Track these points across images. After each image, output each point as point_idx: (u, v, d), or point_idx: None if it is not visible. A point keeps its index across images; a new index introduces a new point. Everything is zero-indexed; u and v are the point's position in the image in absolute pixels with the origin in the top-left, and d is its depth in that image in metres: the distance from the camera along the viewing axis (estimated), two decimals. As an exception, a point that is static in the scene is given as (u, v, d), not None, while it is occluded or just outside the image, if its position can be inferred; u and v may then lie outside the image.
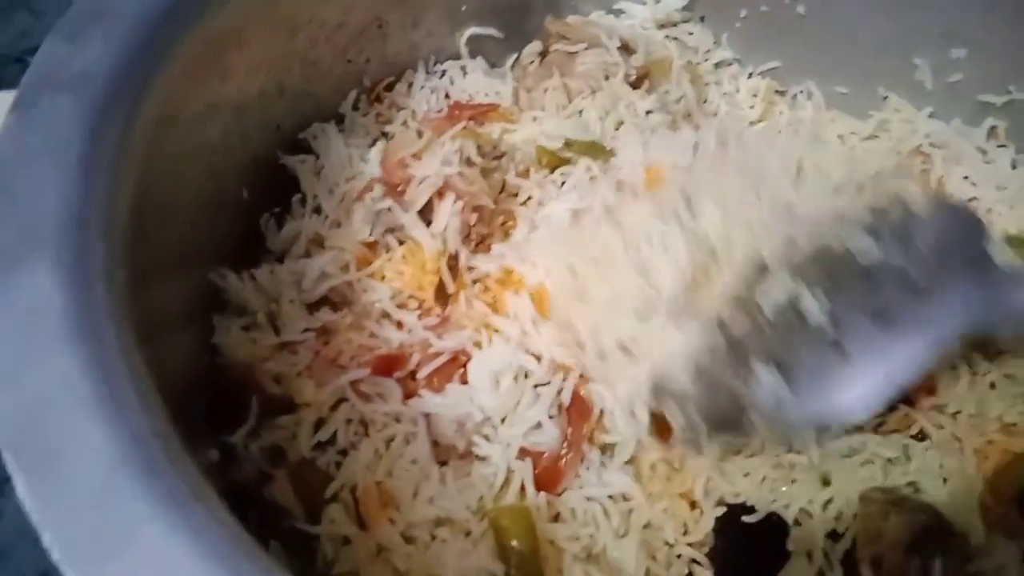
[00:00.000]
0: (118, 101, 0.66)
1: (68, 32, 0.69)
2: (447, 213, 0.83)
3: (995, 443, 0.75)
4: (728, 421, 0.72)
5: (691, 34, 1.12)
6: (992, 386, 0.79)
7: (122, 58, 0.68)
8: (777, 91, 1.12)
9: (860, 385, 0.72)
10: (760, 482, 0.75)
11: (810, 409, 0.72)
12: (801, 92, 1.10)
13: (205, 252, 0.84)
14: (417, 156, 0.84)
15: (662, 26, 1.11)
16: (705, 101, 1.10)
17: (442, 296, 0.82)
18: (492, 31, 1.07)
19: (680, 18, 1.12)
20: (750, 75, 1.12)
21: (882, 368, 0.71)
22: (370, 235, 0.85)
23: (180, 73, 0.73)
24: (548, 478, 0.76)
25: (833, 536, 0.71)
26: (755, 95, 1.10)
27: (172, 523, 0.46)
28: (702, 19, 1.12)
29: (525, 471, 0.75)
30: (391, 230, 0.86)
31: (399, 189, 0.85)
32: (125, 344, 0.55)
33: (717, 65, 1.13)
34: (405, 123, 0.97)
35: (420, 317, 0.82)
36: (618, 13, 1.11)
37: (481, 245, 0.86)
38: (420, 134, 0.87)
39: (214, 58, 0.79)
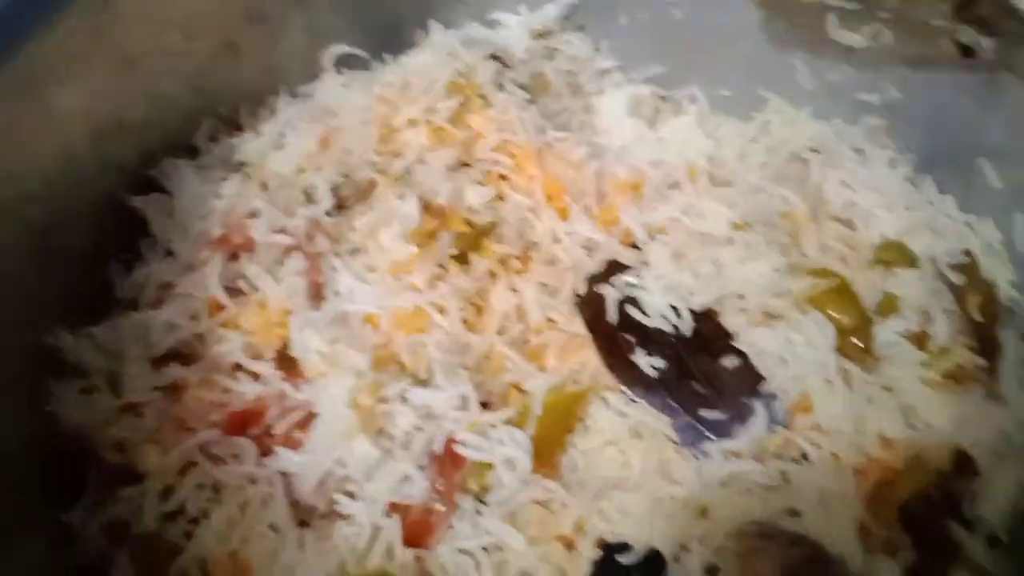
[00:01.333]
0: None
1: None
2: (292, 273, 0.78)
3: (875, 460, 0.73)
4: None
5: (570, 43, 1.07)
6: (869, 399, 0.76)
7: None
8: (661, 97, 1.08)
9: None
10: (637, 518, 0.71)
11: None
12: (685, 97, 1.07)
13: (40, 310, 0.77)
14: (253, 216, 0.79)
15: (539, 36, 1.06)
16: (587, 110, 1.05)
17: (286, 362, 0.76)
18: (359, 50, 1.01)
19: (558, 28, 1.07)
20: (633, 82, 1.08)
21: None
22: (219, 284, 0.79)
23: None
24: (419, 532, 0.71)
25: (711, 571, 0.67)
26: (640, 103, 1.06)
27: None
28: (581, 28, 1.08)
29: (393, 529, 0.70)
30: (242, 277, 0.80)
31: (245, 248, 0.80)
32: None
33: (600, 73, 1.08)
34: (262, 157, 0.90)
35: (275, 368, 0.76)
36: (493, 24, 1.06)
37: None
38: (265, 186, 0.82)
39: (27, 102, 0.72)
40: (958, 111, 0.87)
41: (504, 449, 0.73)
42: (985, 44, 0.78)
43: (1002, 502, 0.75)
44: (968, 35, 0.78)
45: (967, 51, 0.78)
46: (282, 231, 0.80)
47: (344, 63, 1.01)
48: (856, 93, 0.94)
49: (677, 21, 1.03)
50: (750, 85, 1.03)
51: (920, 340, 0.83)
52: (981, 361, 0.83)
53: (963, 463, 0.75)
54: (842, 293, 0.82)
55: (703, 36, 1.03)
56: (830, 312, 0.80)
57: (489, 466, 0.73)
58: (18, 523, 0.66)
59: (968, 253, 0.87)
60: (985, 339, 0.85)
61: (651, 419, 0.77)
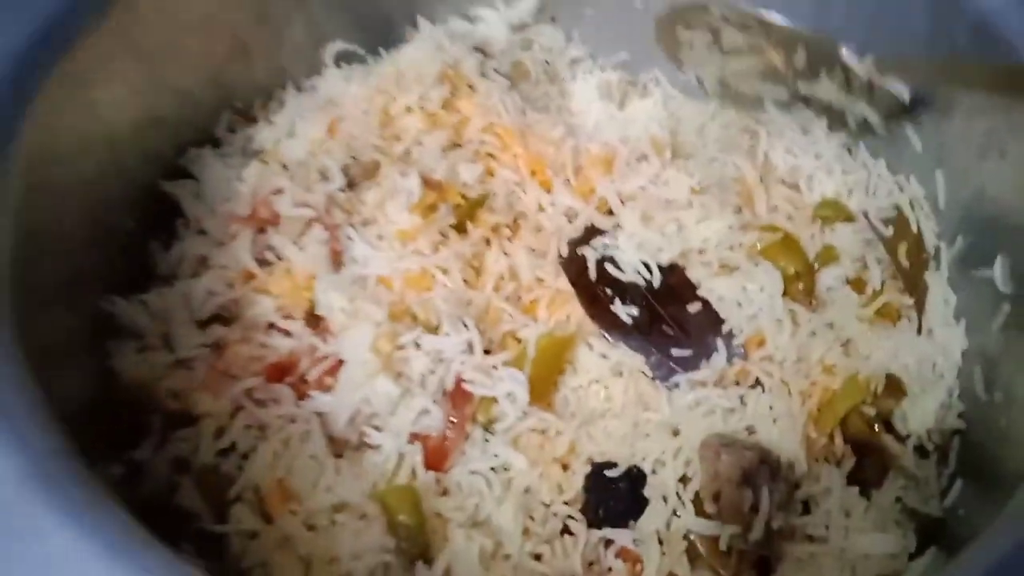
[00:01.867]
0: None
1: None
2: (315, 242, 0.90)
3: (816, 383, 0.86)
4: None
5: (544, 34, 1.19)
6: (812, 334, 0.89)
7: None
8: (628, 82, 1.20)
9: None
10: (621, 440, 0.84)
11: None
12: (651, 80, 1.19)
13: (95, 281, 0.88)
14: (277, 193, 0.90)
15: (516, 29, 1.18)
16: (562, 94, 1.17)
17: (313, 320, 0.88)
18: (355, 47, 1.13)
19: (532, 20, 1.19)
20: (603, 68, 1.20)
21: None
22: (250, 256, 0.91)
23: (46, 112, 0.77)
24: (437, 457, 0.83)
25: (684, 480, 0.80)
26: (610, 86, 1.18)
27: (74, 528, 0.52)
28: (552, 19, 1.20)
29: (415, 454, 0.82)
30: (270, 248, 0.92)
31: (271, 222, 0.92)
32: (19, 374, 0.60)
33: (572, 61, 1.20)
34: (276, 144, 1.01)
35: (305, 325, 0.88)
36: (474, 19, 1.18)
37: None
38: (285, 167, 0.94)
39: (77, 97, 0.83)
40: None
41: (505, 386, 0.85)
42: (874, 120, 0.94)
43: (928, 419, 0.89)
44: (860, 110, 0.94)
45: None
46: (304, 205, 0.91)
47: (343, 58, 1.12)
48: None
49: (638, 10, 1.16)
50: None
51: (857, 285, 0.96)
52: (909, 301, 0.97)
53: (893, 385, 0.89)
54: (788, 246, 0.94)
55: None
56: (778, 262, 0.93)
57: (493, 400, 0.85)
58: (101, 461, 0.78)
59: (897, 208, 1.01)
60: (913, 282, 0.98)
61: (629, 359, 0.90)
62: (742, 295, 0.91)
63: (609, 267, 0.94)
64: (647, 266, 0.94)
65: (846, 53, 0.93)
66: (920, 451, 0.88)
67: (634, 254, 0.94)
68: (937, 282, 0.97)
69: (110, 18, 0.86)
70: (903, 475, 0.86)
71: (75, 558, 0.51)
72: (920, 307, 0.96)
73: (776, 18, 0.99)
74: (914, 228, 0.99)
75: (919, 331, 0.95)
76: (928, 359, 0.92)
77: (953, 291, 0.96)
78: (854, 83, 0.93)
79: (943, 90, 0.94)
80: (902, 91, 0.92)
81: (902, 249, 0.98)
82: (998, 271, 0.88)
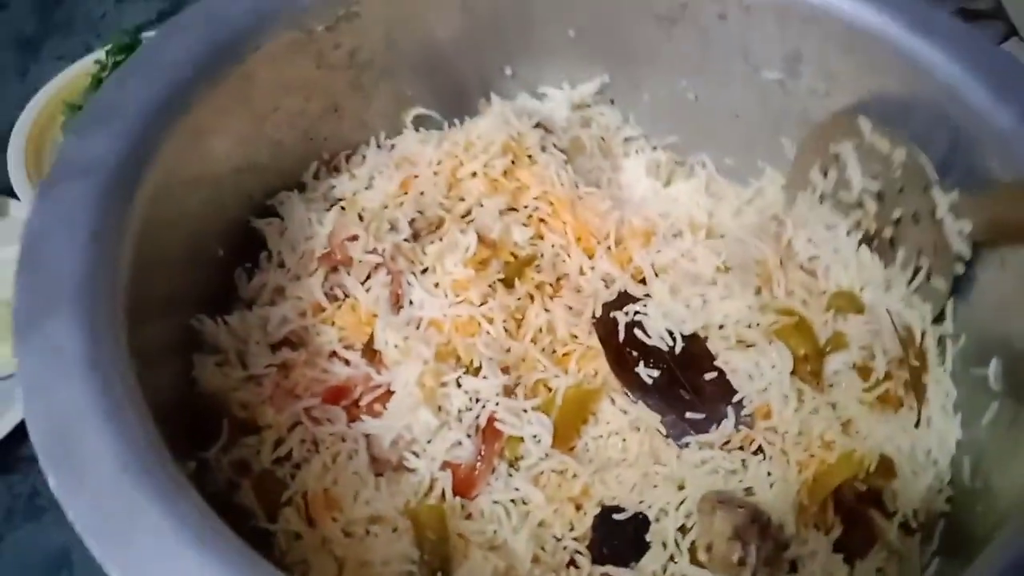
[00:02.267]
0: (119, 185, 0.85)
1: (80, 130, 0.87)
2: (379, 285, 1.03)
3: (814, 456, 0.94)
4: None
5: (603, 114, 1.31)
6: (815, 411, 0.98)
7: (122, 151, 0.87)
8: (677, 162, 1.31)
9: None
10: (631, 488, 0.93)
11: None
12: (697, 163, 1.30)
13: (187, 300, 1.02)
14: (352, 239, 1.04)
15: (577, 107, 1.30)
16: (615, 169, 1.29)
17: (370, 353, 1.00)
18: (433, 113, 1.26)
19: (593, 101, 1.32)
20: (654, 148, 1.32)
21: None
22: (321, 291, 1.04)
23: (168, 159, 0.91)
24: (464, 485, 0.94)
25: (683, 529, 0.89)
26: (658, 166, 1.30)
27: (164, 512, 0.64)
28: (612, 101, 1.32)
29: (446, 480, 0.93)
30: (339, 286, 1.04)
31: (344, 264, 1.05)
32: (126, 375, 0.73)
33: (626, 140, 1.32)
34: (356, 193, 1.15)
35: (362, 356, 1.00)
36: (541, 97, 1.31)
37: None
38: (361, 217, 1.08)
39: (196, 145, 0.97)
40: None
41: (532, 428, 0.95)
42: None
43: (916, 499, 0.96)
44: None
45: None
46: (373, 251, 1.04)
47: (422, 123, 1.26)
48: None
49: (690, 100, 1.27)
50: (750, 157, 1.26)
51: (863, 372, 1.03)
52: (911, 397, 1.04)
53: (886, 465, 0.97)
54: (801, 329, 1.03)
55: (712, 113, 1.26)
56: (790, 343, 1.02)
57: (520, 440, 0.95)
58: (174, 455, 0.90)
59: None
60: (916, 380, 1.06)
61: (646, 416, 0.98)
62: (754, 369, 1.00)
63: (637, 331, 1.04)
64: (671, 334, 1.03)
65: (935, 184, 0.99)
66: (906, 528, 0.95)
67: (660, 322, 1.04)
68: (940, 376, 1.05)
69: (229, 80, 1.00)
70: (887, 548, 0.93)
71: (158, 537, 0.62)
72: (920, 399, 1.03)
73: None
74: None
75: (917, 423, 1.02)
76: (923, 445, 1.00)
77: (954, 385, 1.03)
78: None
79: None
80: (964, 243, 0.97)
81: (911, 349, 1.05)
82: (992, 371, 0.96)
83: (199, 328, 1.01)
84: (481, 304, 1.03)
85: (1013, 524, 0.76)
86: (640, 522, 0.91)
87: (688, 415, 0.99)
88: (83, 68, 1.57)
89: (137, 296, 0.86)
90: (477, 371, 0.97)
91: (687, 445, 0.97)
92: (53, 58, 1.54)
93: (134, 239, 0.85)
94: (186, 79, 0.95)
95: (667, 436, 0.98)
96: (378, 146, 1.23)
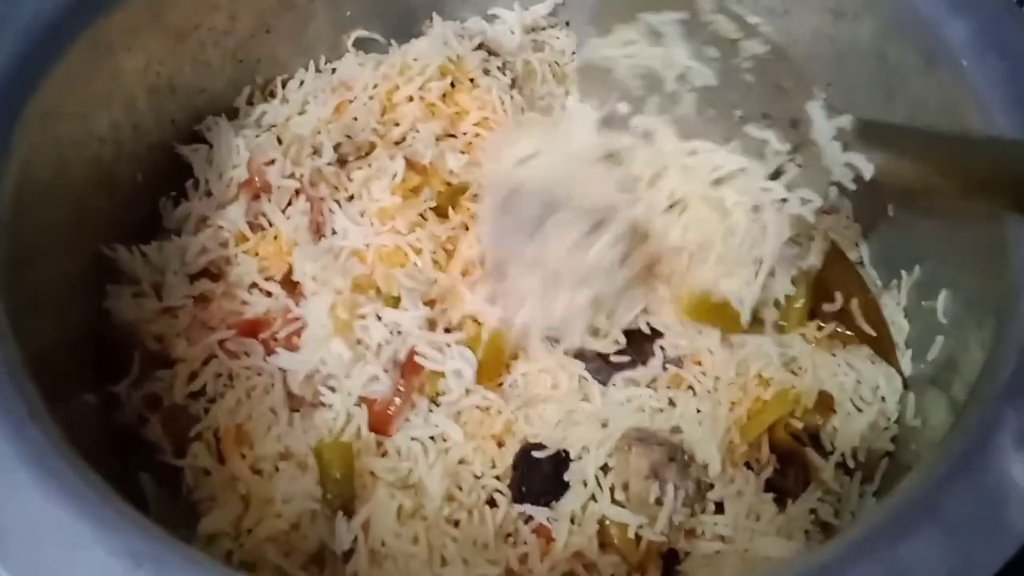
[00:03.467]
0: (5, 99, 0.80)
1: (-38, 43, 0.82)
2: (298, 212, 0.98)
3: (748, 393, 0.90)
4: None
5: (557, 38, 1.25)
6: (756, 350, 0.93)
7: (9, 63, 0.82)
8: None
9: None
10: (554, 425, 0.89)
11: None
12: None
13: (100, 229, 0.97)
14: (270, 163, 0.99)
15: (530, 30, 1.24)
16: (567, 93, 1.22)
17: (290, 284, 0.95)
18: (376, 35, 1.20)
19: (546, 23, 1.25)
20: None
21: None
22: (244, 219, 0.99)
23: (65, 75, 0.87)
24: (381, 421, 0.90)
25: (605, 468, 0.85)
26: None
27: (4, 434, 0.60)
28: (567, 24, 1.25)
29: (362, 416, 0.90)
30: (262, 214, 1.00)
31: (265, 191, 1.01)
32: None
33: (582, 65, 1.25)
34: (288, 119, 1.09)
35: (283, 288, 0.96)
36: (492, 18, 1.24)
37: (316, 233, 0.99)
38: (280, 141, 1.03)
39: (101, 62, 0.92)
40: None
41: (454, 362, 0.91)
42: None
43: (855, 438, 0.92)
44: None
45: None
46: (291, 176, 0.99)
47: (365, 46, 1.20)
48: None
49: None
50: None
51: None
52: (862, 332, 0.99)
53: (824, 402, 0.92)
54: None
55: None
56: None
57: (441, 375, 0.91)
58: (78, 385, 0.87)
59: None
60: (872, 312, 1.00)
61: (569, 361, 0.93)
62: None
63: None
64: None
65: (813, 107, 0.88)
66: (844, 468, 0.91)
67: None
68: (894, 310, 1.00)
69: (138, -7, 0.95)
70: (822, 488, 0.89)
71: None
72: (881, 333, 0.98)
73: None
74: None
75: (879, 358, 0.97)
76: (870, 381, 0.95)
77: (907, 320, 0.98)
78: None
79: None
80: (866, 167, 0.85)
81: (856, 309, 0.98)
82: (940, 304, 0.90)
83: (113, 257, 0.97)
84: (408, 233, 0.97)
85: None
86: (561, 460, 0.87)
87: (613, 358, 0.94)
88: None
89: (31, 220, 0.82)
90: (397, 302, 0.93)
91: (613, 384, 0.92)
92: None
93: (22, 159, 0.81)
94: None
95: (593, 380, 0.93)
96: (317, 70, 1.18)
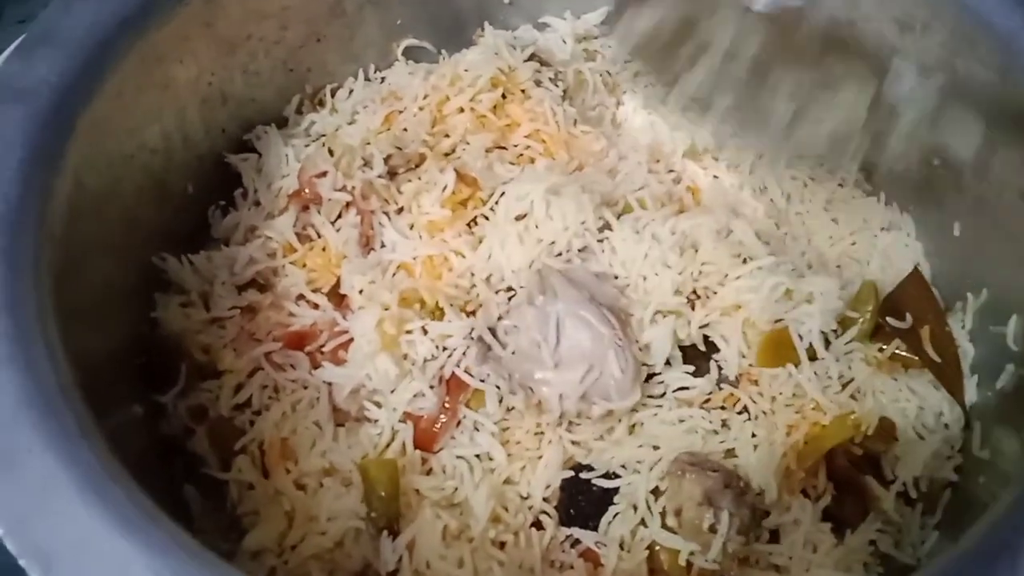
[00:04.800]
0: (59, 112, 0.80)
1: (21, 53, 0.82)
2: (348, 225, 0.97)
3: (806, 417, 0.86)
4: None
5: (609, 47, 1.22)
6: (814, 374, 0.89)
7: (65, 76, 0.82)
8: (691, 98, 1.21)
9: None
10: (604, 446, 0.87)
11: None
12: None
13: (150, 238, 0.97)
14: (321, 176, 0.98)
15: (581, 39, 1.22)
16: (619, 104, 1.20)
17: (337, 297, 0.94)
18: (426, 44, 1.19)
19: (598, 32, 1.23)
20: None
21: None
22: (292, 230, 0.98)
23: (118, 87, 0.86)
24: (426, 438, 0.89)
25: (656, 492, 0.83)
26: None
27: (56, 454, 0.60)
28: (620, 33, 1.23)
29: (407, 432, 0.88)
30: (310, 226, 0.99)
31: (315, 202, 1.00)
32: (43, 315, 0.69)
33: (636, 75, 1.23)
34: (338, 129, 1.09)
35: (329, 300, 0.95)
36: (543, 27, 1.22)
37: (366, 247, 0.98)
38: (331, 152, 1.02)
39: (153, 74, 0.92)
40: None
41: (501, 382, 0.89)
42: None
43: (918, 467, 0.88)
44: None
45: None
46: (343, 189, 0.98)
47: (415, 55, 1.19)
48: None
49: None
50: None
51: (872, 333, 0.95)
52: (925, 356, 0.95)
53: (886, 429, 0.89)
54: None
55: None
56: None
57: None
58: (125, 396, 0.87)
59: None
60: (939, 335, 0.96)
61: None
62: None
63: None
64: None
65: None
66: (905, 498, 0.88)
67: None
68: (959, 334, 0.96)
69: (190, 4, 0.94)
70: (882, 519, 0.86)
71: (47, 476, 0.58)
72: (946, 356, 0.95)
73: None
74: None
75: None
76: (934, 408, 0.92)
77: (972, 345, 0.94)
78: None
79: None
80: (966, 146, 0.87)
81: (925, 334, 0.95)
82: (1011, 329, 0.86)
83: (162, 267, 0.97)
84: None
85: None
86: (608, 480, 0.85)
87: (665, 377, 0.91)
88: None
89: (82, 231, 0.82)
90: (442, 314, 0.91)
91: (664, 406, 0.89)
92: (14, 22, 1.51)
93: (75, 170, 0.81)
94: (141, 2, 0.89)
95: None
96: (367, 79, 1.17)
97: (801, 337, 0.89)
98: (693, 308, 0.92)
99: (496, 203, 0.96)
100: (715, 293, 0.92)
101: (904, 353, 0.94)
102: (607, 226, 0.96)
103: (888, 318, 0.93)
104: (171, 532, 0.59)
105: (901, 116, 0.89)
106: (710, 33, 0.87)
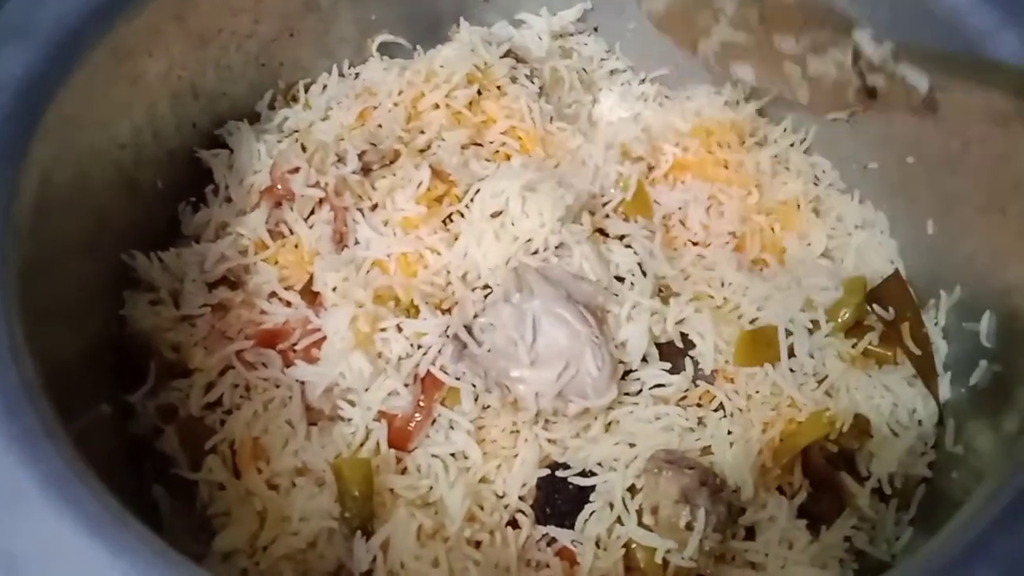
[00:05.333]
0: (23, 106, 0.78)
1: (-14, 46, 0.80)
2: (321, 222, 0.96)
3: (781, 414, 0.86)
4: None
5: (585, 44, 1.22)
6: (790, 370, 0.90)
7: (30, 69, 0.80)
8: (666, 96, 1.21)
9: None
10: (580, 443, 0.86)
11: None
12: (685, 96, 1.20)
13: (119, 235, 0.96)
14: (294, 171, 0.97)
15: (558, 36, 1.21)
16: (595, 102, 1.20)
17: (308, 294, 0.93)
18: (402, 40, 1.18)
19: (575, 29, 1.22)
20: (642, 81, 1.22)
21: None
22: (265, 227, 0.97)
23: (86, 81, 0.85)
24: (401, 437, 0.88)
25: (632, 490, 0.82)
26: (644, 100, 1.20)
27: (19, 456, 0.58)
28: (595, 30, 1.23)
29: (381, 431, 0.87)
30: (283, 222, 0.98)
31: (287, 199, 0.98)
32: (6, 314, 0.67)
33: (611, 73, 1.23)
34: (311, 125, 1.07)
35: (302, 298, 0.94)
36: (519, 24, 1.22)
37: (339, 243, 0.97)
38: (304, 148, 1.00)
39: (122, 67, 0.90)
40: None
41: (477, 380, 0.89)
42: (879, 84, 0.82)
43: (892, 463, 0.89)
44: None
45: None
46: (316, 185, 0.96)
47: (390, 51, 1.17)
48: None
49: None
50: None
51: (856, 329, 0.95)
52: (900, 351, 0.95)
53: (861, 426, 0.89)
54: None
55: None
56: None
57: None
58: (93, 395, 0.85)
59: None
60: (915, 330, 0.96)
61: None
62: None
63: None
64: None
65: (861, 35, 0.83)
66: (880, 494, 0.88)
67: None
68: (932, 331, 0.96)
69: (160, -4, 0.93)
70: (857, 515, 0.86)
71: (15, 484, 0.57)
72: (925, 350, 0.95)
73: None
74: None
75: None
76: (907, 404, 0.92)
77: (946, 342, 0.95)
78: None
79: (959, 85, 0.84)
80: (920, 81, 0.81)
81: (905, 330, 0.95)
82: (984, 326, 0.87)
83: (131, 264, 0.95)
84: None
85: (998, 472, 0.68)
86: (584, 478, 0.84)
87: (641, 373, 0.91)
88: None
89: (46, 231, 0.80)
90: (416, 312, 0.90)
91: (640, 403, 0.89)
92: None
93: (41, 165, 0.79)
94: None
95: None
96: (341, 75, 1.16)
97: (790, 333, 0.89)
98: (667, 303, 0.92)
99: (471, 200, 0.95)
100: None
101: (877, 348, 0.94)
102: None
103: (874, 305, 0.94)
104: (139, 533, 0.57)
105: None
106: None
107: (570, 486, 0.84)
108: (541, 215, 0.92)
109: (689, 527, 0.78)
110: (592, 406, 0.86)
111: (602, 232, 0.99)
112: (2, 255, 0.70)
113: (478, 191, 0.96)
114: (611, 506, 0.82)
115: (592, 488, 0.84)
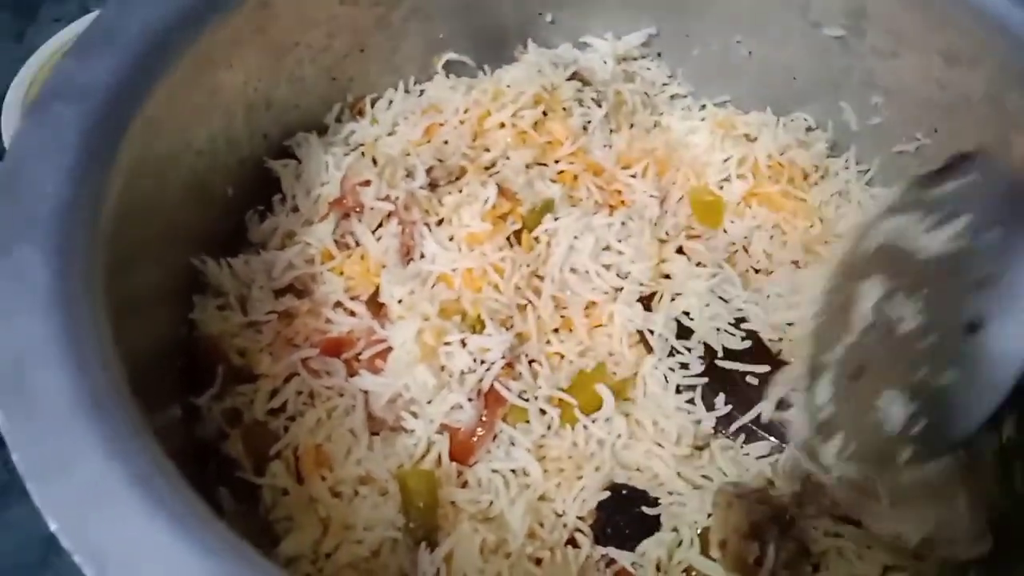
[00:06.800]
0: (112, 112, 0.80)
1: (78, 52, 0.83)
2: (389, 235, 0.98)
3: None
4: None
5: (648, 69, 1.23)
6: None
7: (119, 76, 0.82)
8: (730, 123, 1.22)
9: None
10: (647, 467, 0.87)
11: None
12: (749, 123, 1.20)
13: (190, 240, 0.97)
14: (365, 184, 0.98)
15: (622, 60, 1.22)
16: (656, 126, 1.21)
17: (375, 306, 0.94)
18: (467, 59, 1.20)
19: (639, 53, 1.23)
20: (703, 107, 1.23)
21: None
22: (331, 237, 0.98)
23: (170, 89, 0.86)
24: (462, 451, 0.88)
25: (699, 522, 0.82)
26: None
27: (110, 456, 0.59)
28: (659, 55, 1.24)
29: (443, 444, 0.88)
30: (350, 234, 0.99)
31: (356, 210, 1.00)
32: (95, 314, 0.68)
33: (672, 97, 1.24)
34: (377, 139, 1.09)
35: (367, 308, 0.95)
36: (583, 47, 1.23)
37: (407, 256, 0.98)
38: (375, 162, 1.02)
39: (203, 77, 0.92)
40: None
41: (539, 402, 0.89)
42: None
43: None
44: None
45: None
46: (386, 199, 0.98)
47: (454, 69, 1.19)
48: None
49: (744, 56, 1.18)
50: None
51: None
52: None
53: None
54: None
55: (767, 71, 1.17)
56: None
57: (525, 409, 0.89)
58: (166, 397, 0.87)
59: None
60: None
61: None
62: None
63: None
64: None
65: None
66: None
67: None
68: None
69: (244, 9, 0.95)
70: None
71: (99, 478, 0.58)
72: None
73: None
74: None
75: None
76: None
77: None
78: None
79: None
80: None
81: None
82: None
83: (201, 269, 0.97)
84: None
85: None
86: (650, 503, 0.84)
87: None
88: (80, 30, 1.51)
89: (126, 232, 0.81)
90: (482, 327, 0.91)
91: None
92: (50, 20, 1.51)
93: (126, 170, 0.80)
94: (196, 4, 0.90)
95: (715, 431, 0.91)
96: (406, 91, 1.18)
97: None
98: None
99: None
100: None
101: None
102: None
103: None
104: (224, 535, 0.58)
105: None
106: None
107: (633, 510, 0.84)
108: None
109: (758, 563, 0.78)
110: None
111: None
112: (89, 257, 0.72)
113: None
114: (674, 530, 0.82)
115: (656, 517, 0.84)
